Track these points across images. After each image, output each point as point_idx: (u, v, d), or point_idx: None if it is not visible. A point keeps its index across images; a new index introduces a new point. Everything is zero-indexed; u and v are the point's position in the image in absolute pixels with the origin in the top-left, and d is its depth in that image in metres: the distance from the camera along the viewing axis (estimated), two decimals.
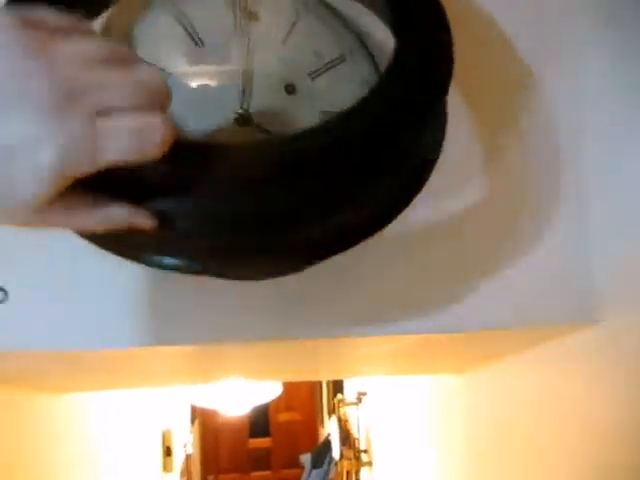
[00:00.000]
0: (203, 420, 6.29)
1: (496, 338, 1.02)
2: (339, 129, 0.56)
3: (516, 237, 0.91)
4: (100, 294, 0.85)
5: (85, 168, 0.43)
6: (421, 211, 0.88)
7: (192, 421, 5.28)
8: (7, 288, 0.85)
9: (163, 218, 0.51)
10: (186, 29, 0.78)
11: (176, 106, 0.76)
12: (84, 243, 0.84)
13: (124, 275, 0.85)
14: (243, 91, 0.77)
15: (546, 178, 0.92)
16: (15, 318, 0.84)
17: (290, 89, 0.78)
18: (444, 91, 0.63)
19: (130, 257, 0.64)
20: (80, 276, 0.85)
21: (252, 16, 0.79)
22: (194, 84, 0.77)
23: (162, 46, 0.77)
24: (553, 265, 0.90)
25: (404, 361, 1.44)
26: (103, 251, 0.65)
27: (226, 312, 0.86)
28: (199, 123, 0.76)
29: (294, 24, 0.79)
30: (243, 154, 0.55)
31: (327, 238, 0.65)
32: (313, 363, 1.46)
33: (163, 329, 0.85)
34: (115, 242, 0.62)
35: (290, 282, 0.86)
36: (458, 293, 0.89)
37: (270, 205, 0.53)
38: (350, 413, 3.53)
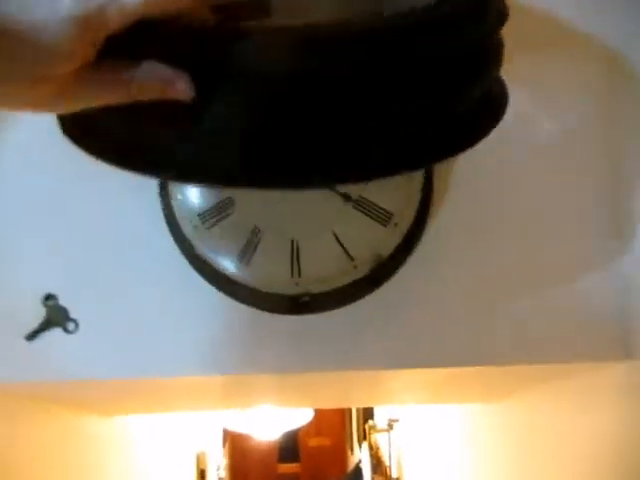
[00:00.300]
0: (233, 443, 6.32)
1: (526, 371, 1.05)
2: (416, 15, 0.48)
3: (551, 272, 0.95)
4: (158, 331, 0.93)
5: (111, 16, 0.38)
6: (453, 245, 0.94)
7: (223, 444, 5.33)
8: (77, 319, 0.94)
9: (203, 90, 0.43)
10: None
11: None
12: (143, 279, 0.93)
13: (178, 310, 0.93)
14: None
15: (584, 214, 0.96)
16: (83, 349, 0.92)
17: None
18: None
19: (162, 158, 0.47)
20: (141, 317, 0.93)
21: None
22: None
23: None
24: (587, 301, 0.94)
25: (435, 391, 1.47)
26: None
27: (263, 345, 0.92)
28: None
29: None
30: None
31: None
32: (345, 392, 1.51)
33: (210, 360, 0.92)
34: (139, 148, 0.48)
35: (324, 317, 0.93)
36: (491, 326, 0.93)
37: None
38: (381, 440, 3.54)
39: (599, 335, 0.93)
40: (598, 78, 0.98)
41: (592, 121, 0.97)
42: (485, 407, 1.67)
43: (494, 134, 0.94)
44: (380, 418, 3.68)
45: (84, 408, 1.46)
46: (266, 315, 0.93)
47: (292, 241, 0.85)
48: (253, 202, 0.85)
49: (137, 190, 0.95)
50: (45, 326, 0.93)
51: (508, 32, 0.59)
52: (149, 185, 0.94)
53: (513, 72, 0.86)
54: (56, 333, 0.93)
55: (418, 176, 0.87)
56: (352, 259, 0.85)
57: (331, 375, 1.01)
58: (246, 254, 0.85)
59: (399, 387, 1.36)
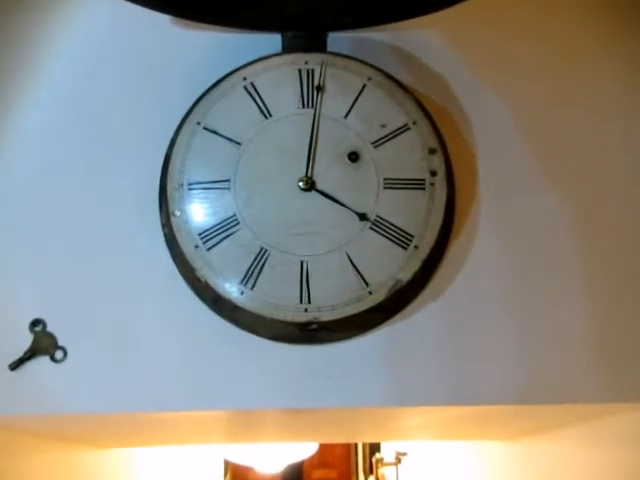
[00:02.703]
0: (234, 475, 6.15)
1: (548, 412, 0.97)
2: None
3: (577, 310, 0.87)
4: (153, 360, 0.85)
5: None
6: (475, 273, 0.86)
7: (223, 476, 5.18)
8: (69, 352, 0.85)
9: None
10: (255, 101, 0.81)
11: (245, 173, 0.80)
12: (139, 305, 0.86)
13: (176, 339, 0.85)
14: (307, 159, 0.79)
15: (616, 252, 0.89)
16: (71, 379, 0.84)
17: (353, 157, 0.80)
18: None
19: None
20: (134, 343, 0.85)
21: (319, 88, 0.81)
22: (262, 152, 0.80)
23: (234, 117, 0.81)
24: (614, 344, 0.86)
25: (451, 428, 1.39)
26: None
27: (267, 379, 0.85)
28: (268, 188, 0.80)
29: (359, 95, 0.81)
30: None
31: None
32: (353, 429, 1.42)
33: (208, 395, 0.85)
34: None
35: (332, 349, 0.85)
36: (513, 364, 0.85)
37: None
38: (388, 474, 3.41)
39: (619, 377, 0.85)
40: None
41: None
42: (502, 445, 1.57)
43: (521, 156, 0.88)
44: (388, 451, 3.56)
45: (77, 441, 1.37)
46: (270, 345, 0.85)
47: (302, 263, 0.78)
48: (260, 220, 0.78)
49: (135, 208, 0.89)
50: (31, 354, 0.85)
51: None
52: (148, 202, 0.87)
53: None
54: (43, 362, 0.85)
55: (441, 196, 0.80)
56: (367, 284, 0.78)
57: (339, 412, 0.93)
58: (251, 277, 0.78)
59: (410, 424, 1.27)
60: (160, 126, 0.88)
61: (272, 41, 0.89)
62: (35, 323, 0.86)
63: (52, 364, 0.85)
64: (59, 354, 0.86)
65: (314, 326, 0.83)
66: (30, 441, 1.16)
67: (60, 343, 0.86)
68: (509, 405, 0.86)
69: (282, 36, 0.88)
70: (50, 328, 0.86)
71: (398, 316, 0.85)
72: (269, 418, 1.04)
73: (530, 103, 0.92)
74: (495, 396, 0.84)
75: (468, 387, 0.84)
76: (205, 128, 0.81)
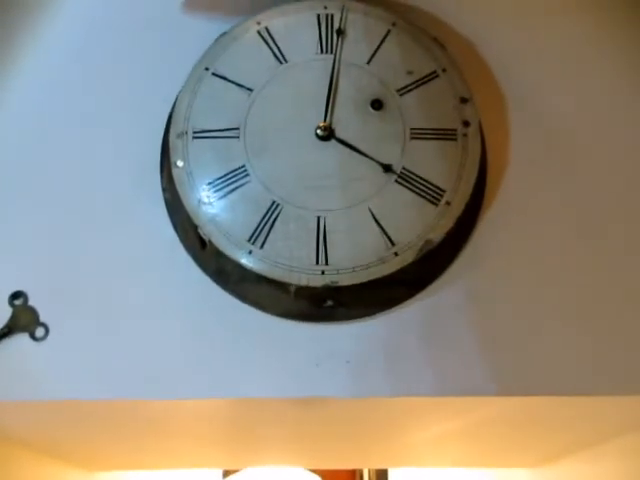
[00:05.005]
0: None
1: (586, 425, 0.89)
2: None
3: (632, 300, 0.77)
4: (148, 341, 0.76)
5: None
6: (516, 235, 0.77)
7: None
8: (51, 330, 0.76)
9: None
10: (269, 46, 0.75)
11: (256, 121, 0.72)
12: (132, 276, 0.77)
13: (172, 317, 0.76)
14: (326, 105, 0.72)
15: None
16: (53, 361, 0.75)
17: (377, 105, 0.72)
18: None
19: None
20: (126, 322, 0.76)
21: (339, 33, 0.75)
22: (276, 99, 0.73)
23: (246, 62, 0.75)
24: None
25: (470, 449, 1.27)
26: None
27: (272, 363, 0.75)
28: (281, 137, 0.72)
29: (383, 40, 0.75)
30: None
31: None
32: (359, 447, 1.30)
33: (209, 380, 0.75)
34: None
35: (350, 329, 0.75)
36: (564, 348, 0.75)
37: None
38: None
39: None
40: None
41: None
42: (528, 472, 1.44)
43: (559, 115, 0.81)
44: None
45: (59, 457, 1.25)
46: (280, 323, 0.76)
47: (318, 219, 0.69)
48: (272, 172, 0.70)
49: (134, 172, 0.80)
50: (8, 330, 0.76)
51: None
52: (149, 166, 0.79)
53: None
54: (21, 340, 0.75)
55: (475, 147, 0.72)
56: (393, 244, 0.69)
57: (350, 405, 0.82)
58: (260, 234, 0.69)
59: (425, 438, 1.15)
60: (164, 88, 0.81)
61: None
62: (15, 296, 0.77)
63: (32, 342, 0.76)
64: (40, 331, 0.76)
65: (330, 302, 0.73)
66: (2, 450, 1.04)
67: (42, 319, 0.76)
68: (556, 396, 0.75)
69: None
70: (32, 302, 0.77)
71: (428, 290, 0.75)
72: (274, 415, 0.93)
73: (561, 71, 0.86)
74: (541, 386, 0.74)
75: (521, 376, 0.74)
76: (214, 74, 0.74)
